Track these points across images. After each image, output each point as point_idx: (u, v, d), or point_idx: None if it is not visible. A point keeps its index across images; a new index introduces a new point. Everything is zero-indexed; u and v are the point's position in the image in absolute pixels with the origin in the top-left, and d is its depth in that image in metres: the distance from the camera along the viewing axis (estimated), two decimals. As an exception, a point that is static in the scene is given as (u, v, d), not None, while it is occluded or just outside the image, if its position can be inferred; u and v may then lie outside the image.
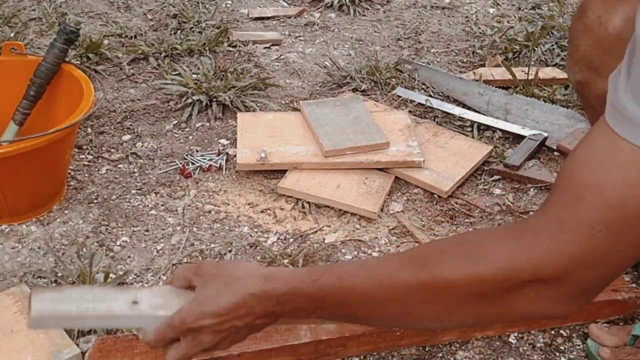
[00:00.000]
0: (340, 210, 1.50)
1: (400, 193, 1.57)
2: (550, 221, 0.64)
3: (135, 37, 2.20)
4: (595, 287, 0.66)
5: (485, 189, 1.59)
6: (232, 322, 0.74)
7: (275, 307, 0.74)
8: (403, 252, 0.79)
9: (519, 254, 0.64)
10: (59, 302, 0.71)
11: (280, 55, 2.20)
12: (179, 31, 2.25)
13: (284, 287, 0.73)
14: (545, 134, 1.73)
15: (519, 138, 1.73)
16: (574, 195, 0.63)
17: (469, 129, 1.79)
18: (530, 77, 1.99)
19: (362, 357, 1.16)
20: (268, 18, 2.48)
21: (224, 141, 1.73)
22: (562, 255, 0.63)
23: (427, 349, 1.18)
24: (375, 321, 0.78)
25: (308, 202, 1.51)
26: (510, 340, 1.21)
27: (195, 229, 1.43)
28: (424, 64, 2.12)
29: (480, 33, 2.38)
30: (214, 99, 1.84)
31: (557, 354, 1.19)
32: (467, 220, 1.49)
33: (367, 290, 0.71)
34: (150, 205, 1.50)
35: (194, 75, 1.94)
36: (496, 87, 1.99)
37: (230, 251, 1.36)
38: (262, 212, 1.49)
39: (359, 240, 1.42)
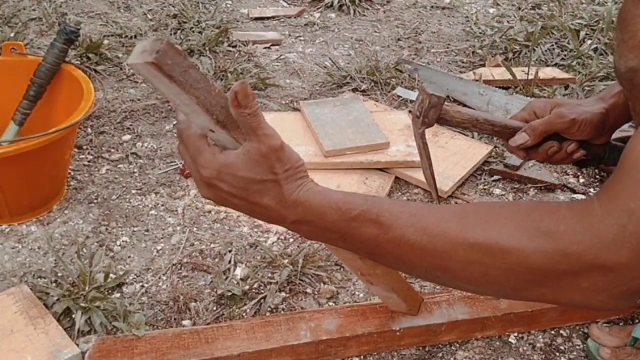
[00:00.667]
0: (340, 210, 1.50)
1: (400, 193, 1.57)
2: (619, 209, 0.62)
3: (135, 37, 2.20)
4: None
5: (485, 189, 1.59)
6: (244, 201, 0.72)
7: (292, 224, 0.72)
8: (452, 207, 0.74)
9: (583, 238, 0.62)
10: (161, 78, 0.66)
11: (280, 55, 2.20)
12: (179, 31, 2.25)
13: (310, 212, 0.70)
14: (545, 134, 1.72)
15: (519, 138, 1.73)
16: None
17: (469, 129, 1.79)
18: (530, 77, 1.99)
19: (362, 357, 1.16)
20: (268, 18, 2.48)
21: (224, 141, 1.73)
22: (628, 247, 0.60)
23: (427, 349, 1.18)
24: (402, 267, 0.75)
25: (308, 202, 1.51)
26: (510, 340, 1.21)
27: (195, 229, 1.43)
28: (424, 64, 2.12)
29: (480, 33, 2.38)
30: (214, 99, 1.84)
31: (557, 354, 1.19)
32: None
33: (406, 235, 0.68)
34: (150, 205, 1.50)
35: (194, 75, 1.94)
36: (496, 87, 1.99)
37: (230, 251, 1.36)
38: (262, 212, 1.49)
39: (359, 240, 1.42)
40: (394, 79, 1.99)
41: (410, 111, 1.09)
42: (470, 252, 0.66)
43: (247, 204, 0.73)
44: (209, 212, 1.48)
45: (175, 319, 1.21)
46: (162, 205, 1.50)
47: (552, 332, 1.23)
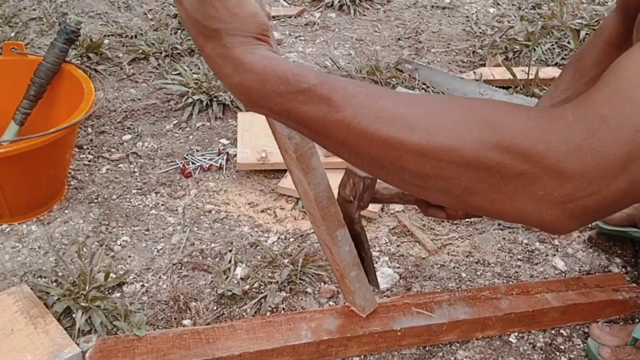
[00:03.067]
0: (340, 209, 1.50)
1: (400, 193, 1.57)
2: (591, 114, 0.59)
3: (135, 36, 2.20)
4: (606, 207, 0.61)
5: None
6: (194, 35, 0.67)
7: (234, 87, 0.67)
8: (416, 94, 0.67)
9: (550, 139, 0.59)
10: None
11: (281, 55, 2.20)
12: (179, 31, 2.25)
13: (251, 77, 0.65)
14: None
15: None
16: (621, 93, 0.58)
17: (470, 128, 1.79)
18: (531, 76, 1.99)
19: (362, 357, 1.16)
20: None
21: (224, 141, 1.73)
22: (594, 154, 0.58)
23: (427, 349, 1.18)
24: (347, 153, 0.67)
25: (308, 202, 1.51)
26: (510, 339, 1.21)
27: (195, 228, 1.43)
28: (424, 64, 2.12)
29: (481, 33, 2.38)
30: (215, 99, 1.84)
31: (558, 353, 1.19)
32: (466, 220, 1.49)
33: (358, 117, 0.62)
34: (150, 205, 1.50)
35: (195, 75, 1.94)
36: (496, 86, 1.99)
37: (230, 250, 1.36)
38: (262, 211, 1.49)
39: (360, 240, 1.42)
40: (394, 79, 1.99)
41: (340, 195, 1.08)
42: (426, 140, 0.61)
43: (196, 41, 0.68)
44: (210, 211, 1.48)
45: (175, 318, 1.21)
46: (163, 204, 1.50)
47: (553, 331, 1.23)
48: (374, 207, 1.47)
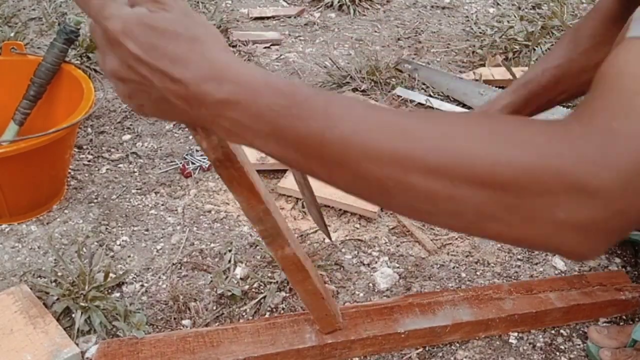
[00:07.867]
0: (340, 209, 1.50)
1: (400, 193, 1.56)
2: (599, 128, 0.54)
3: (135, 36, 2.20)
4: (633, 225, 0.56)
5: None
6: (153, 71, 0.56)
7: (213, 108, 0.56)
8: (413, 111, 0.64)
9: (564, 152, 0.54)
10: None
11: (280, 55, 2.20)
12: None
13: (242, 87, 0.56)
14: (546, 134, 1.72)
15: (519, 138, 1.73)
16: (625, 104, 0.54)
17: (470, 128, 1.79)
18: (531, 76, 1.99)
19: (364, 357, 1.16)
20: (268, 18, 2.48)
21: (224, 141, 1.73)
22: (612, 169, 0.53)
23: (427, 348, 1.18)
24: (344, 176, 0.58)
25: (308, 202, 1.50)
26: (510, 340, 1.20)
27: (195, 228, 1.43)
28: (424, 64, 2.12)
29: (481, 33, 2.38)
30: (214, 99, 1.84)
31: (557, 353, 1.19)
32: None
33: (358, 132, 0.56)
34: (150, 205, 1.50)
35: (194, 75, 1.94)
36: (496, 87, 1.99)
37: (230, 250, 1.36)
38: (262, 211, 1.49)
39: (359, 240, 1.42)
40: (394, 79, 1.99)
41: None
42: (434, 153, 0.55)
43: (153, 76, 0.57)
44: (209, 211, 1.48)
45: (175, 318, 1.21)
46: (162, 204, 1.50)
47: (553, 331, 1.23)
48: (373, 207, 1.47)
